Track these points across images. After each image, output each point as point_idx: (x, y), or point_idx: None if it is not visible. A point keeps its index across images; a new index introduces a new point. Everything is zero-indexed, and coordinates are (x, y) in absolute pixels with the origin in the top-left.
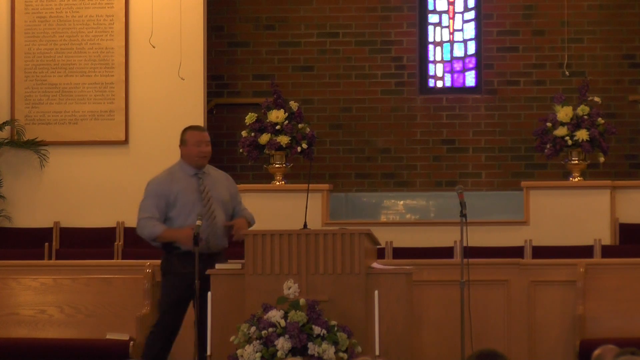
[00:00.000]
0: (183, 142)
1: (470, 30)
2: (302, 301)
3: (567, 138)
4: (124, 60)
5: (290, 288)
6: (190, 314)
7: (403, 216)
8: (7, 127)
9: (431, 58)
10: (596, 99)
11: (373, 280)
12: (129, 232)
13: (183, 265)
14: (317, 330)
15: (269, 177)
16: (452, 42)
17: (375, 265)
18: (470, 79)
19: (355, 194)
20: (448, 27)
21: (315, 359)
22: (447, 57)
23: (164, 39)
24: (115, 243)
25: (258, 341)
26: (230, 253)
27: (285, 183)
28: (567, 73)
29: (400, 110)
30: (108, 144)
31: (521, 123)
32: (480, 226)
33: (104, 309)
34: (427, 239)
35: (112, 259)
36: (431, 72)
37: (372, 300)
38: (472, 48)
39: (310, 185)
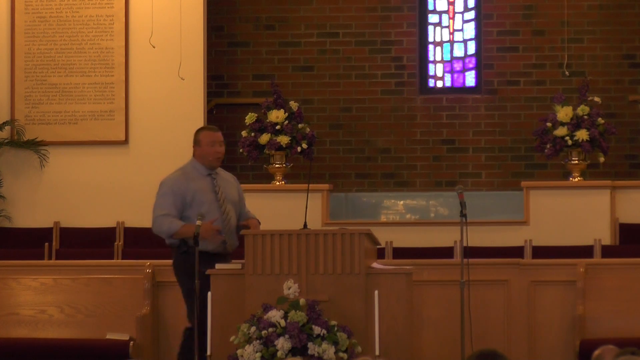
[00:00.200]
0: (197, 143)
1: (470, 30)
2: (302, 301)
3: (567, 138)
4: (124, 60)
5: (290, 288)
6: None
7: (403, 216)
8: (7, 127)
9: (431, 58)
10: (596, 99)
11: (373, 280)
12: (129, 232)
13: (203, 265)
14: (317, 330)
15: (269, 177)
16: (452, 42)
17: (375, 265)
18: (470, 79)
19: (355, 194)
20: (448, 27)
21: (315, 359)
22: (447, 57)
23: (164, 39)
24: (115, 243)
25: (258, 341)
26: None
27: (285, 183)
28: (567, 73)
29: (400, 110)
30: (108, 144)
31: (521, 123)
32: (480, 226)
33: (104, 309)
34: (427, 239)
35: (112, 259)
36: (431, 72)
37: (372, 300)
38: (472, 48)
39: (310, 185)
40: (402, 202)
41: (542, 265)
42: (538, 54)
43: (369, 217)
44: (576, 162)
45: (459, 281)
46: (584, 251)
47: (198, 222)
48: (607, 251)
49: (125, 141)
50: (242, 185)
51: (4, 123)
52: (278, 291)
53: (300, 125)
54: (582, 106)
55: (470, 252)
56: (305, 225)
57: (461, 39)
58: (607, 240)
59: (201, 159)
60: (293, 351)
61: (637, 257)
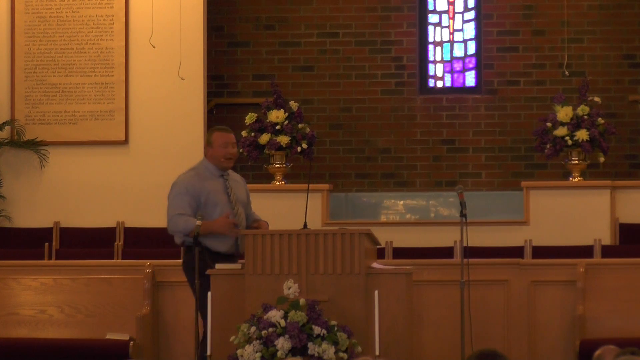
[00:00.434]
0: (209, 143)
1: (470, 30)
2: (302, 301)
3: (567, 138)
4: (124, 60)
5: (290, 288)
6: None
7: (403, 216)
8: (7, 127)
9: (431, 58)
10: (596, 99)
11: (373, 280)
12: (129, 232)
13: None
14: (317, 330)
15: (269, 177)
16: (452, 42)
17: (375, 265)
18: (470, 79)
19: (355, 194)
20: (448, 27)
21: (315, 359)
22: (447, 57)
23: (164, 39)
24: (115, 243)
25: (258, 341)
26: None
27: (285, 183)
28: (567, 73)
29: (400, 110)
30: (108, 144)
31: (521, 123)
32: (480, 226)
33: (104, 309)
34: (427, 239)
35: (112, 259)
36: (431, 72)
37: (372, 300)
38: (472, 48)
39: (310, 185)
40: (402, 202)
41: (542, 265)
42: (538, 54)
43: (369, 217)
44: (576, 162)
45: (459, 281)
46: (584, 251)
47: (198, 222)
48: (607, 251)
49: (125, 141)
50: None
51: (4, 123)
52: (278, 291)
53: (300, 125)
54: (582, 106)
55: (470, 252)
56: (305, 225)
57: (461, 39)
58: (607, 240)
59: (213, 160)
60: (293, 351)
61: (637, 257)
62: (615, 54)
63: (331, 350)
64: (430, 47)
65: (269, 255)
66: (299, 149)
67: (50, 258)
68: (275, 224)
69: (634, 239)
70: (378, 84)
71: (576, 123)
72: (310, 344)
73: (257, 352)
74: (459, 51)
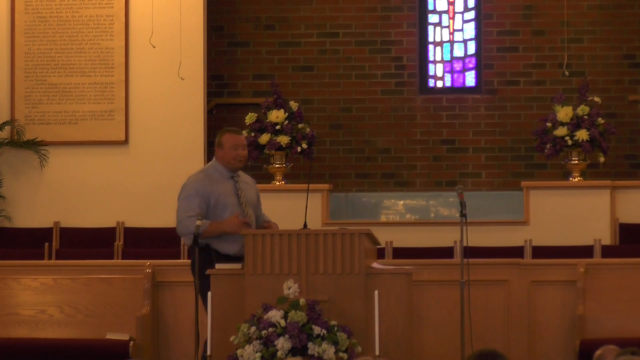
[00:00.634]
0: (219, 145)
1: (470, 30)
2: (302, 301)
3: (567, 138)
4: (124, 60)
5: (290, 288)
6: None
7: (403, 216)
8: (7, 127)
9: (431, 58)
10: (596, 99)
11: (373, 280)
12: (129, 232)
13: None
14: (317, 330)
15: (269, 177)
16: (452, 42)
17: (375, 265)
18: (470, 79)
19: (355, 194)
20: (448, 27)
21: (315, 359)
22: (447, 57)
23: (164, 39)
24: (115, 243)
25: (258, 341)
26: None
27: (285, 183)
28: (567, 73)
29: (400, 110)
30: (108, 144)
31: (521, 123)
32: (480, 226)
33: (104, 309)
34: (427, 239)
35: (112, 259)
36: (431, 72)
37: (372, 300)
38: (472, 48)
39: (310, 185)
40: (402, 202)
41: (542, 265)
42: (538, 54)
43: (369, 217)
44: (576, 162)
45: (459, 281)
46: (584, 251)
47: (198, 222)
48: (607, 251)
49: (125, 141)
50: None
51: (4, 123)
52: (278, 291)
53: (300, 125)
54: (582, 106)
55: (470, 252)
56: (305, 225)
57: (461, 39)
58: (607, 240)
59: (223, 162)
60: (293, 351)
61: (637, 257)
62: (615, 54)
63: (331, 350)
64: (430, 47)
65: (269, 255)
66: (299, 149)
67: (50, 258)
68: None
69: (634, 239)
70: (378, 84)
71: (576, 123)
72: (310, 344)
73: (257, 352)
74: (459, 51)
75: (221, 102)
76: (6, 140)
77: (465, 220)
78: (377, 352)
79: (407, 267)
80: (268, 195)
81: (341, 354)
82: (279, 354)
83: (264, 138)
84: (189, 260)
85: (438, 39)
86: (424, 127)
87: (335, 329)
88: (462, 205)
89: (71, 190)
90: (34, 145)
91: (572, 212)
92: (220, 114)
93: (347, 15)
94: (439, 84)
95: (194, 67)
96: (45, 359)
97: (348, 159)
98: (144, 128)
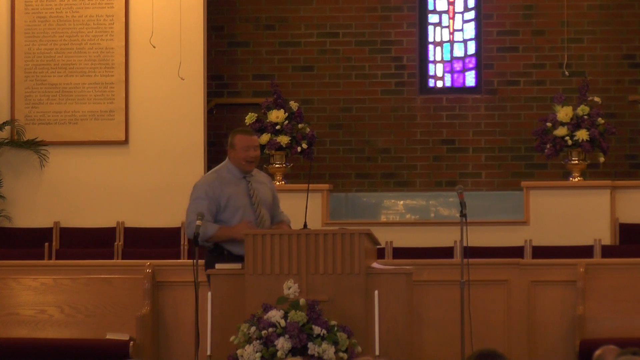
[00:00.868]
0: (231, 146)
1: (470, 30)
2: (302, 301)
3: (567, 138)
4: (124, 60)
5: (290, 288)
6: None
7: (403, 216)
8: (7, 127)
9: (431, 58)
10: (596, 99)
11: (373, 280)
12: (129, 232)
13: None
14: (317, 330)
15: None
16: (452, 42)
17: (375, 265)
18: (470, 79)
19: (355, 194)
20: (448, 27)
21: (315, 359)
22: (447, 57)
23: (164, 39)
24: (115, 243)
25: (258, 341)
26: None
27: (285, 183)
28: (567, 73)
29: (400, 110)
30: (108, 144)
31: (521, 123)
32: (480, 226)
33: (104, 309)
34: (427, 239)
35: (112, 259)
36: (431, 72)
37: (372, 300)
38: (472, 48)
39: (310, 185)
40: (402, 202)
41: (542, 265)
42: (538, 54)
43: (369, 217)
44: (576, 162)
45: (459, 281)
46: (584, 251)
47: (198, 222)
48: (607, 251)
49: (125, 141)
50: None
51: (4, 123)
52: (278, 291)
53: (300, 125)
54: (582, 106)
55: (470, 252)
56: (305, 225)
57: (461, 39)
58: (607, 240)
59: (235, 162)
60: (293, 351)
61: (637, 257)
62: (615, 54)
63: (331, 350)
64: (430, 47)
65: (269, 255)
66: (299, 149)
67: (50, 258)
68: None
69: (634, 239)
70: (378, 84)
71: (576, 123)
72: (310, 344)
73: (257, 352)
74: (459, 51)
75: (221, 102)
76: (6, 140)
77: (465, 220)
78: (377, 352)
79: (407, 267)
80: None
81: (341, 354)
82: (279, 354)
83: (264, 138)
84: (190, 261)
85: (438, 39)
86: (424, 127)
87: (335, 329)
88: (462, 205)
89: (71, 190)
90: (34, 145)
91: (572, 212)
92: (220, 114)
93: (347, 15)
94: (439, 84)
95: (194, 67)
96: (45, 359)
97: (348, 159)
98: (144, 128)
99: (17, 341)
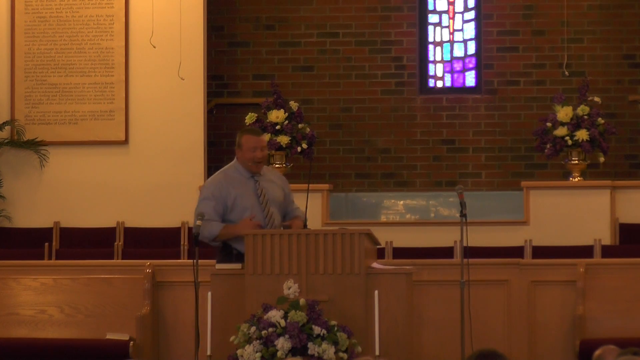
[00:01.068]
0: (238, 146)
1: (470, 30)
2: (302, 301)
3: (567, 138)
4: (124, 60)
5: (290, 288)
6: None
7: (403, 216)
8: (7, 127)
9: (431, 58)
10: (596, 99)
11: (373, 280)
12: (129, 232)
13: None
14: (317, 330)
15: None
16: (452, 42)
17: (375, 265)
18: (470, 79)
19: (355, 194)
20: (448, 27)
21: (315, 359)
22: (447, 57)
23: (164, 39)
24: (115, 243)
25: (258, 341)
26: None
27: None
28: (567, 73)
29: (400, 110)
30: (108, 144)
31: (521, 123)
32: (480, 226)
33: (104, 309)
34: (427, 239)
35: (112, 259)
36: (431, 72)
37: (372, 300)
38: (472, 48)
39: (310, 185)
40: (402, 202)
41: (542, 265)
42: (538, 54)
43: (369, 217)
44: (576, 162)
45: (459, 281)
46: (584, 251)
47: (198, 223)
48: (607, 251)
49: (125, 141)
50: None
51: (4, 123)
52: (278, 291)
53: (300, 125)
54: (582, 106)
55: (470, 252)
56: (305, 225)
57: (461, 39)
58: (607, 240)
59: (242, 162)
60: (293, 351)
61: (637, 257)
62: (615, 54)
63: (331, 350)
64: (430, 47)
65: (269, 255)
66: (299, 149)
67: (50, 258)
68: None
69: (634, 239)
70: (378, 84)
71: (576, 123)
72: (310, 344)
73: (257, 352)
74: (459, 51)
75: (221, 102)
76: (6, 140)
77: (465, 220)
78: (377, 352)
79: (407, 267)
80: None
81: (341, 354)
82: (279, 354)
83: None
84: (190, 261)
85: (438, 39)
86: (424, 127)
87: (335, 329)
88: (462, 205)
89: (71, 190)
90: (34, 145)
91: (572, 212)
92: (220, 114)
93: (347, 15)
94: (439, 84)
95: (194, 67)
96: (45, 359)
97: (348, 159)
98: (144, 128)
99: (17, 341)
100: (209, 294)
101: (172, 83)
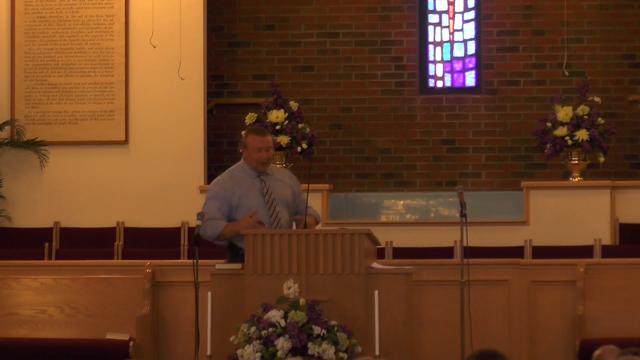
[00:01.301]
0: (244, 146)
1: (470, 30)
2: (302, 301)
3: (567, 138)
4: (124, 60)
5: (290, 288)
6: (191, 314)
7: (403, 216)
8: (7, 127)
9: (431, 58)
10: (596, 99)
11: (373, 280)
12: (129, 232)
13: None
14: (317, 330)
15: None
16: (452, 42)
17: (375, 265)
18: (470, 79)
19: (355, 194)
20: (448, 27)
21: (315, 359)
22: (447, 57)
23: (164, 39)
24: (115, 243)
25: (258, 341)
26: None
27: None
28: (566, 73)
29: (400, 110)
30: (108, 144)
31: (521, 123)
32: (480, 226)
33: (104, 309)
34: (427, 239)
35: (112, 259)
36: (431, 72)
37: (372, 300)
38: (472, 48)
39: (310, 185)
40: (402, 202)
41: (542, 265)
42: (538, 54)
43: (369, 217)
44: (576, 162)
45: (459, 281)
46: (584, 251)
47: (198, 223)
48: (607, 251)
49: (125, 141)
50: None
51: (4, 123)
52: (278, 291)
53: (300, 125)
54: (582, 106)
55: (470, 252)
56: (305, 225)
57: (461, 39)
58: (607, 240)
59: (248, 162)
60: (293, 351)
61: (637, 257)
62: (615, 54)
63: (331, 350)
64: (430, 47)
65: (269, 255)
66: (299, 149)
67: (50, 258)
68: None
69: (634, 239)
70: (378, 84)
71: (576, 123)
72: (310, 344)
73: (257, 352)
74: (459, 51)
75: (221, 102)
76: (6, 140)
77: (465, 220)
78: (377, 352)
79: (407, 267)
80: None
81: (341, 354)
82: (279, 354)
83: None
84: (190, 261)
85: (438, 39)
86: (424, 127)
87: (335, 329)
88: (462, 205)
89: (71, 190)
90: (34, 145)
91: (572, 212)
92: (220, 114)
93: (347, 15)
94: (439, 84)
95: (194, 67)
96: (45, 359)
97: (348, 159)
98: (144, 128)
99: (17, 341)
100: (209, 294)
101: (172, 83)
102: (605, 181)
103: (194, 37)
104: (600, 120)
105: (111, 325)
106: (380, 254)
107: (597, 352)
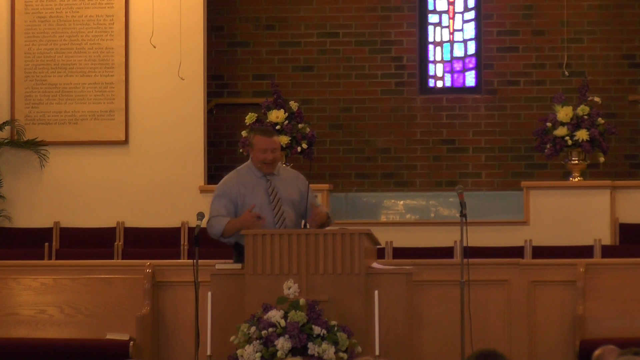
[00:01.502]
0: (250, 145)
1: (470, 30)
2: (302, 301)
3: (567, 138)
4: (124, 60)
5: (290, 288)
6: (191, 314)
7: (403, 216)
8: (7, 127)
9: (431, 58)
10: (596, 99)
11: (373, 280)
12: (129, 232)
13: None
14: (317, 330)
15: None
16: (452, 42)
17: (375, 265)
18: (470, 79)
19: (355, 194)
20: (448, 27)
21: (315, 359)
22: (447, 57)
23: (164, 39)
24: (115, 243)
25: (258, 341)
26: (230, 253)
27: None
28: (566, 73)
29: (400, 110)
30: (108, 144)
31: (521, 123)
32: (480, 226)
33: (104, 309)
34: (427, 239)
35: (112, 259)
36: (431, 72)
37: (372, 300)
38: (472, 48)
39: (310, 185)
40: (402, 202)
41: (542, 265)
42: (538, 54)
43: (369, 217)
44: (576, 162)
45: (459, 281)
46: (584, 251)
47: (198, 222)
48: (607, 251)
49: (125, 141)
50: None
51: (4, 123)
52: (278, 291)
53: (300, 125)
54: (582, 106)
55: (470, 252)
56: (305, 225)
57: (461, 39)
58: (607, 240)
59: (254, 162)
60: (293, 351)
61: (637, 257)
62: (615, 54)
63: (331, 350)
64: (430, 47)
65: (269, 255)
66: (299, 149)
67: (50, 258)
68: None
69: (634, 239)
70: (378, 84)
71: (576, 123)
72: (310, 344)
73: (257, 352)
74: (459, 51)
75: (221, 102)
76: (6, 140)
77: (465, 220)
78: (377, 352)
79: (407, 267)
80: None
81: (341, 354)
82: (279, 354)
83: None
84: (190, 260)
85: (438, 39)
86: (424, 127)
87: (335, 329)
88: (462, 205)
89: (71, 190)
90: (34, 145)
91: (572, 212)
92: (220, 114)
93: (347, 15)
94: (439, 84)
95: (194, 67)
96: (45, 359)
97: (348, 159)
98: (144, 128)
99: (17, 341)
100: (209, 294)
101: (172, 83)
102: (605, 181)
103: (194, 37)
104: (600, 120)
105: (111, 325)
106: (380, 254)
107: (597, 352)
